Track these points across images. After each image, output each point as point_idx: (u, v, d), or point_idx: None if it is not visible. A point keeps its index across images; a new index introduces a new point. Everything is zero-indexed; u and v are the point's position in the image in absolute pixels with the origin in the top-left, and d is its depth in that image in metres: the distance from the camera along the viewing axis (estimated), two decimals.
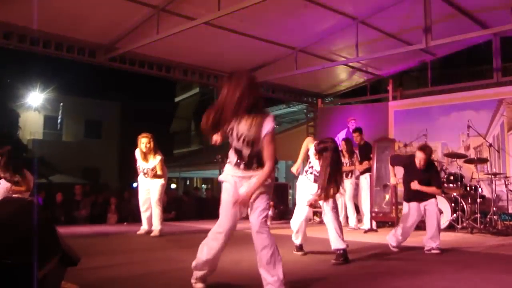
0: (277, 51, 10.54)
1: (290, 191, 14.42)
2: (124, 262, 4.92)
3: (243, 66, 11.32)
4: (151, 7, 8.47)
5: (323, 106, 13.50)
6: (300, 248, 5.58)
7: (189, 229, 8.60)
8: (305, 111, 15.43)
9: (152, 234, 7.32)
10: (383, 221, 9.02)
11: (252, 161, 3.50)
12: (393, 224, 8.52)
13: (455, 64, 15.98)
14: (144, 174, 7.45)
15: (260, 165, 3.47)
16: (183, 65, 10.84)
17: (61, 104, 27.85)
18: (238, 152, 3.51)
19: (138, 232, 7.58)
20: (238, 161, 3.53)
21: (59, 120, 28.45)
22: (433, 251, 5.67)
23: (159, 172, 7.35)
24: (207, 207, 13.72)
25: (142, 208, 7.58)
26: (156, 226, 7.36)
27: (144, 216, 7.58)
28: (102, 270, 4.45)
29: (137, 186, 7.73)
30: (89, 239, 7.26)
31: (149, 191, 7.46)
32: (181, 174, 21.62)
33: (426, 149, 5.95)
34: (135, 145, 7.50)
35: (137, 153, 7.46)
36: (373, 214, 8.72)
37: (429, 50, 10.58)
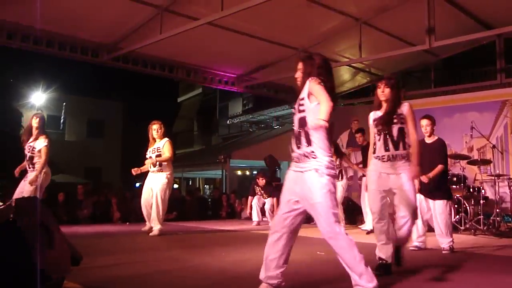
0: (280, 51, 10.53)
1: None
2: (126, 262, 4.91)
3: (246, 66, 11.36)
4: (154, 7, 8.47)
5: None
6: None
7: (192, 229, 8.59)
8: None
9: (151, 234, 7.27)
10: None
11: None
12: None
13: (459, 65, 15.94)
14: (150, 158, 7.45)
15: None
16: (186, 65, 10.84)
17: (64, 103, 27.86)
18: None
19: (143, 229, 7.63)
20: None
21: (61, 120, 28.46)
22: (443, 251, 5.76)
23: (166, 154, 7.38)
24: (210, 208, 13.75)
25: (143, 205, 7.52)
26: (156, 225, 7.30)
27: (145, 213, 7.55)
28: (105, 269, 4.45)
29: (141, 185, 7.76)
30: (91, 238, 7.27)
31: (152, 188, 7.43)
32: (183, 174, 21.63)
33: (430, 116, 5.86)
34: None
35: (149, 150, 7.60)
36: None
37: (433, 51, 10.56)
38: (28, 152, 6.79)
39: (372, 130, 4.53)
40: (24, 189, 6.72)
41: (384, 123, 4.35)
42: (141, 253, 5.68)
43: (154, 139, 7.54)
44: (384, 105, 4.43)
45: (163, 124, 7.69)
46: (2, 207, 3.09)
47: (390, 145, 4.30)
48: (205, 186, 26.16)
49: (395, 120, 4.32)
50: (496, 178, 8.30)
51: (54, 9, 7.96)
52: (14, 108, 23.99)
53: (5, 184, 17.94)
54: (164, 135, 7.59)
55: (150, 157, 7.46)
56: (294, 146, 3.36)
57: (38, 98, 26.15)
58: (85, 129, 29.37)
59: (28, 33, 8.50)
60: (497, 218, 7.97)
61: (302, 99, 3.39)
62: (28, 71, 24.26)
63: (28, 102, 26.22)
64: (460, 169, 8.69)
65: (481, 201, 8.17)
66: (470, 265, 5.03)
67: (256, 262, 4.91)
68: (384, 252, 4.29)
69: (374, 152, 4.45)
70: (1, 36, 8.33)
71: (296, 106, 3.45)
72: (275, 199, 9.86)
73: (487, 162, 8.81)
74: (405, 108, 4.36)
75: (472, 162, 8.88)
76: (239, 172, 21.64)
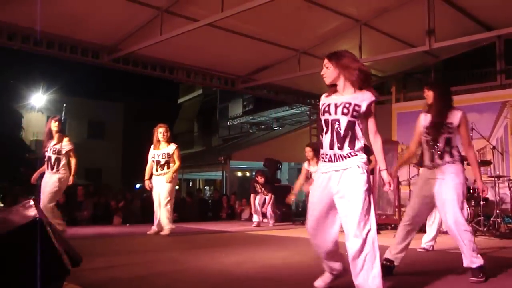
0: (280, 52, 10.54)
1: None
2: (126, 263, 4.91)
3: (246, 68, 11.36)
4: (154, 9, 8.48)
5: None
6: None
7: (192, 231, 8.58)
8: (308, 113, 15.43)
9: (162, 233, 7.45)
10: (386, 224, 9.01)
11: None
12: (395, 226, 8.49)
13: (459, 66, 15.94)
14: (157, 162, 7.53)
15: None
16: (186, 67, 10.84)
17: (64, 105, 27.79)
18: None
19: (148, 232, 7.70)
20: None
21: (62, 121, 28.45)
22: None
23: (177, 162, 7.51)
24: (210, 209, 13.75)
25: (156, 210, 7.71)
26: (165, 226, 7.44)
27: (155, 216, 7.74)
28: (104, 271, 4.44)
29: (141, 186, 7.94)
30: (90, 240, 7.27)
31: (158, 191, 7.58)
32: (183, 175, 21.63)
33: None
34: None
35: (151, 150, 7.68)
36: (376, 217, 8.70)
37: (433, 52, 10.56)
38: (54, 154, 7.27)
39: (419, 132, 4.45)
40: (46, 190, 7.08)
41: (431, 133, 4.26)
42: (140, 254, 5.68)
43: (159, 141, 7.61)
44: (431, 110, 4.34)
45: (169, 128, 7.80)
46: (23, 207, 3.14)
47: (436, 156, 4.23)
48: (205, 187, 26.15)
49: (442, 130, 4.21)
50: (496, 179, 8.30)
51: (54, 10, 7.96)
52: (14, 110, 24.01)
53: (6, 186, 17.98)
54: (170, 139, 7.70)
55: (158, 161, 7.53)
56: (335, 146, 3.33)
57: (38, 100, 26.16)
58: (85, 130, 29.37)
59: (29, 34, 8.51)
60: (498, 219, 7.96)
61: (359, 106, 3.32)
62: (28, 72, 24.28)
63: (28, 104, 26.24)
64: None
65: (481, 202, 8.15)
66: None
67: (254, 264, 4.91)
68: (392, 253, 4.27)
69: (421, 158, 4.41)
70: (2, 37, 8.33)
71: (341, 107, 3.35)
72: (273, 196, 10.14)
73: (487, 163, 8.80)
74: (456, 117, 4.27)
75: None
76: (239, 173, 21.66)
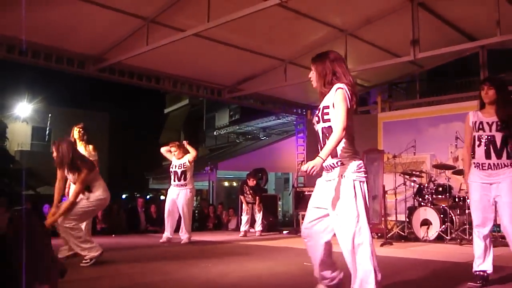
0: (266, 62, 10.57)
1: (280, 202, 14.40)
2: (111, 274, 4.88)
3: (233, 78, 11.38)
4: (140, 19, 8.47)
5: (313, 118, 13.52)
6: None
7: (178, 241, 8.52)
8: (294, 122, 15.47)
9: (182, 242, 8.06)
10: (372, 232, 9.03)
11: None
12: (381, 235, 8.52)
13: (444, 76, 16.12)
14: (174, 173, 8.39)
15: None
16: (172, 77, 10.82)
17: (50, 115, 27.68)
18: None
19: (161, 241, 8.20)
20: None
21: (47, 131, 28.25)
22: None
23: (191, 152, 8.54)
24: (197, 219, 13.67)
25: (167, 216, 8.39)
26: (184, 235, 8.13)
27: (167, 224, 8.37)
28: (89, 282, 4.41)
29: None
30: None
31: (176, 201, 8.30)
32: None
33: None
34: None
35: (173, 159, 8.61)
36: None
37: (417, 62, 10.67)
38: None
39: (470, 131, 4.34)
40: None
41: (489, 130, 4.14)
42: (126, 265, 5.63)
43: (176, 156, 8.51)
44: (488, 107, 4.23)
45: (178, 144, 8.72)
46: None
47: (493, 153, 4.13)
48: None
49: (499, 127, 4.11)
50: None
51: (39, 20, 7.92)
52: None
53: None
54: (185, 152, 8.55)
55: (176, 172, 8.39)
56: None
57: (23, 110, 25.95)
58: None
59: (14, 43, 8.44)
60: None
61: (327, 107, 3.29)
62: (13, 82, 24.02)
63: (13, 113, 26.00)
64: (446, 179, 8.77)
65: (467, 211, 8.22)
66: (455, 275, 5.05)
67: (241, 274, 4.90)
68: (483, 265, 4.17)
69: (473, 157, 4.27)
70: None
71: (317, 114, 3.37)
72: (258, 199, 10.42)
73: None
74: None
75: (458, 172, 8.94)
76: (226, 183, 21.62)
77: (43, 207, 11.47)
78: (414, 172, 9.17)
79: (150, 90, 12.12)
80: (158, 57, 9.41)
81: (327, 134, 3.24)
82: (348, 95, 3.23)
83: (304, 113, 13.62)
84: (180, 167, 8.38)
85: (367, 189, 3.34)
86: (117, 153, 26.92)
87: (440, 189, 8.72)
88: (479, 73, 10.84)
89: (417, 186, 9.08)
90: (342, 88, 3.24)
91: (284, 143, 16.71)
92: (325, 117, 3.28)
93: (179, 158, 8.52)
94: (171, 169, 8.53)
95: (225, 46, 9.53)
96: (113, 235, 10.35)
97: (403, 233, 8.75)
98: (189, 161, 8.47)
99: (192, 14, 8.17)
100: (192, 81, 11.23)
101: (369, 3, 8.72)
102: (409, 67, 11.52)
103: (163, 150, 8.86)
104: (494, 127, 4.15)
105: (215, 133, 25.37)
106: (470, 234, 7.84)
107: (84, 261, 5.33)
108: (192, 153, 8.60)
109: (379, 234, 8.87)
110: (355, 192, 3.24)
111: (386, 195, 8.78)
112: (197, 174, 18.76)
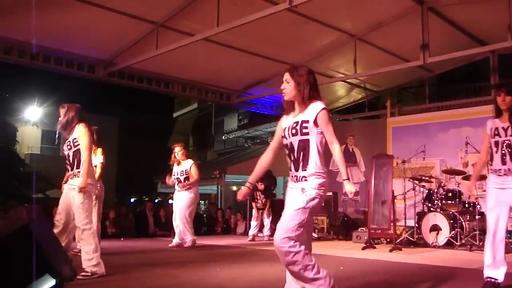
0: (275, 67, 10.56)
1: None
2: (120, 278, 4.88)
3: (241, 82, 11.40)
4: (150, 23, 8.52)
5: None
6: None
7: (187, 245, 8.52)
8: None
9: (185, 245, 8.07)
10: (381, 238, 8.99)
11: None
12: (390, 241, 8.47)
13: (453, 80, 16.05)
14: (177, 180, 8.33)
15: None
16: (181, 81, 10.86)
17: (59, 118, 27.83)
18: None
19: (170, 245, 8.22)
20: None
21: (57, 135, 28.34)
22: None
23: (194, 177, 8.30)
24: (205, 223, 13.67)
25: (174, 221, 8.40)
26: (188, 237, 8.11)
27: (176, 229, 8.36)
28: (97, 285, 4.41)
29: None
30: None
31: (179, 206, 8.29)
32: None
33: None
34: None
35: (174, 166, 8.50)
36: (371, 231, 8.68)
37: (427, 66, 10.63)
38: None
39: (487, 138, 4.33)
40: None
41: (505, 135, 4.14)
42: (135, 269, 5.63)
43: (178, 161, 8.40)
44: (505, 114, 4.24)
45: (184, 146, 8.68)
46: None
47: (508, 159, 4.12)
48: (200, 201, 26.07)
49: None
50: None
51: (50, 25, 7.98)
52: (9, 123, 23.91)
53: (1, 201, 17.87)
54: (187, 156, 8.51)
55: (178, 178, 8.33)
56: (292, 168, 3.40)
57: (33, 113, 26.11)
58: None
59: (25, 48, 8.52)
60: None
61: (307, 122, 3.35)
62: (23, 86, 24.19)
63: (24, 117, 26.17)
64: (455, 184, 8.70)
65: (477, 217, 8.16)
66: (466, 281, 5.01)
67: (249, 278, 4.89)
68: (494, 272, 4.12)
69: (491, 164, 4.25)
70: None
71: (293, 126, 3.41)
72: (268, 203, 10.51)
73: (482, 177, 8.78)
74: None
75: (467, 178, 8.88)
76: (234, 188, 21.61)
77: (52, 210, 11.48)
78: (423, 177, 9.11)
79: (159, 94, 12.16)
80: (167, 62, 9.45)
81: (304, 147, 3.33)
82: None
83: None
84: (182, 174, 8.34)
85: (322, 205, 3.38)
86: (125, 157, 26.98)
87: (450, 194, 8.65)
88: (489, 78, 10.77)
89: (427, 191, 9.01)
90: (326, 109, 3.40)
91: None
92: (304, 130, 3.34)
93: (179, 164, 8.42)
94: (173, 176, 8.47)
95: (234, 50, 9.56)
96: (122, 239, 10.37)
97: (412, 239, 8.69)
98: (190, 169, 8.38)
99: (201, 18, 8.20)
100: (201, 85, 11.26)
101: (379, 8, 8.71)
102: (418, 72, 11.49)
103: (168, 180, 8.63)
104: (509, 131, 4.15)
105: (223, 138, 25.38)
106: (481, 240, 7.78)
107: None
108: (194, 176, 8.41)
109: (388, 240, 8.81)
110: (306, 202, 3.25)
111: (395, 200, 8.73)
112: (205, 179, 18.83)
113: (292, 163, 3.38)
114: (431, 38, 8.43)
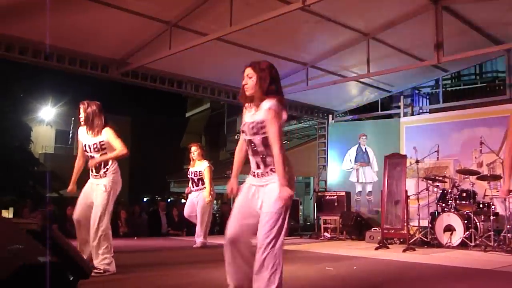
0: (288, 66, 10.55)
1: (301, 207, 14.34)
2: (132, 277, 4.90)
3: None
4: (163, 23, 8.54)
5: (334, 122, 13.48)
6: None
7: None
8: (316, 127, 15.41)
9: (194, 246, 8.16)
10: (394, 238, 8.95)
11: None
12: (404, 241, 8.43)
13: (468, 80, 15.92)
14: (192, 182, 8.45)
15: None
16: (194, 81, 10.88)
17: (73, 118, 28.05)
18: None
19: (194, 246, 8.21)
20: None
21: (70, 135, 28.63)
22: None
23: (205, 180, 8.25)
24: (218, 223, 13.70)
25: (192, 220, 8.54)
26: (199, 238, 8.19)
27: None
28: (111, 284, 4.43)
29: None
30: None
31: (194, 203, 8.37)
32: None
33: None
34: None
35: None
36: (385, 231, 8.65)
37: (441, 66, 10.55)
38: None
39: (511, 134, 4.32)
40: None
41: None
42: (148, 268, 5.66)
43: (194, 160, 8.49)
44: None
45: (200, 146, 8.82)
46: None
47: None
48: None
49: None
50: None
51: (64, 25, 8.03)
52: (23, 123, 24.16)
53: (16, 200, 18.06)
54: (203, 156, 8.58)
55: (192, 179, 8.45)
56: (254, 166, 3.50)
57: (47, 113, 26.34)
58: None
59: (39, 48, 8.58)
60: (508, 234, 7.87)
61: (262, 122, 3.40)
62: (37, 86, 24.37)
63: (38, 117, 26.42)
64: (470, 184, 8.63)
65: (492, 217, 8.10)
66: (480, 282, 4.97)
67: None
68: None
69: None
70: (13, 51, 8.40)
71: (253, 125, 3.46)
72: None
73: (497, 177, 8.73)
74: None
75: (482, 178, 8.82)
76: None
77: (66, 209, 11.57)
78: (437, 177, 9.06)
79: (172, 94, 12.19)
80: (180, 61, 9.47)
81: (264, 144, 3.39)
82: (279, 110, 3.41)
83: (326, 117, 13.56)
84: (196, 175, 8.43)
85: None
86: (138, 157, 27.11)
87: (464, 194, 8.60)
88: (504, 77, 10.67)
89: (440, 191, 8.96)
90: (274, 108, 3.39)
91: (305, 148, 16.65)
92: (262, 130, 3.40)
93: (193, 166, 8.51)
94: (188, 176, 8.60)
95: (247, 50, 9.55)
96: (135, 238, 10.43)
97: (425, 239, 8.65)
98: (204, 171, 8.40)
99: (214, 18, 8.21)
100: (213, 85, 11.27)
101: (392, 7, 8.67)
102: (432, 71, 11.40)
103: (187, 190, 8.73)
104: None
105: (236, 137, 25.38)
106: (495, 240, 7.73)
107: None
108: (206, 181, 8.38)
109: (401, 240, 8.78)
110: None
111: (409, 200, 8.69)
112: (218, 178, 18.86)
113: (253, 159, 3.47)
114: (445, 37, 8.36)
